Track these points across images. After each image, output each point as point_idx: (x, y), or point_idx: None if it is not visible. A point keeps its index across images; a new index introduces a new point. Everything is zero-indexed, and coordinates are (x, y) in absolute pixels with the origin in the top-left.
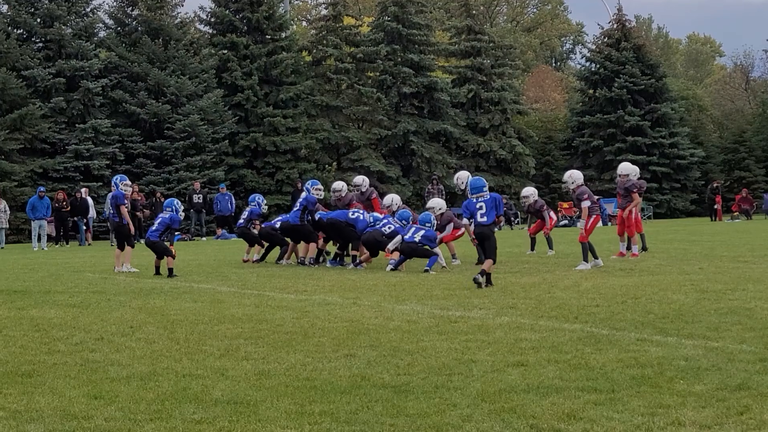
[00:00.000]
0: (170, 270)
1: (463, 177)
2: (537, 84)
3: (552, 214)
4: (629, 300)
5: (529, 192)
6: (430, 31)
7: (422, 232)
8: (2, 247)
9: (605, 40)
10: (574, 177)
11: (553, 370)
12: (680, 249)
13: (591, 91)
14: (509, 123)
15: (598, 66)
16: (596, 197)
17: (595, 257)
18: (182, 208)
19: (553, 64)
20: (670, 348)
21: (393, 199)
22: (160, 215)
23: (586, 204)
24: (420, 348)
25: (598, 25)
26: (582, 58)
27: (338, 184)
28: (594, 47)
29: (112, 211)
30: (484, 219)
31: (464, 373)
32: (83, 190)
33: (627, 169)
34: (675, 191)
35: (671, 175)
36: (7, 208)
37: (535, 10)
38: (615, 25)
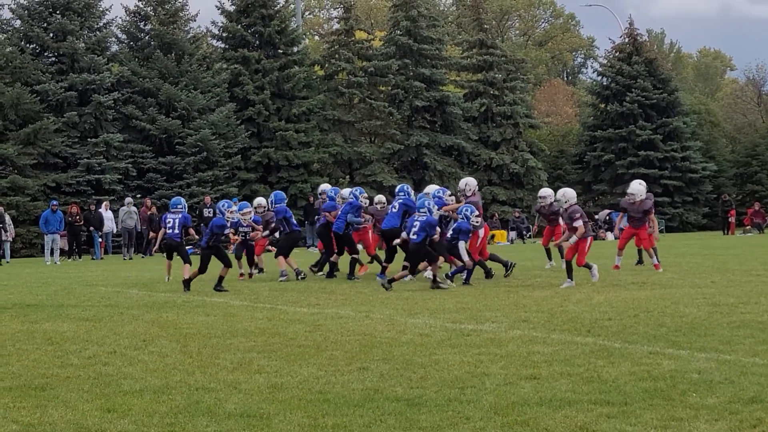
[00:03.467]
0: (187, 282)
1: (471, 184)
2: (549, 98)
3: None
4: (641, 313)
5: (547, 193)
6: (442, 45)
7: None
8: (8, 262)
9: (617, 54)
10: (567, 195)
11: (566, 384)
12: (692, 263)
13: (602, 105)
14: (521, 137)
15: (609, 80)
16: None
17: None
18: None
19: (565, 78)
20: (682, 361)
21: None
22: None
23: (579, 223)
24: (433, 361)
25: (610, 39)
26: (593, 72)
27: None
28: (605, 61)
29: (176, 231)
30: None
31: (477, 386)
32: (104, 203)
33: (641, 192)
34: (687, 205)
35: (683, 189)
36: (10, 221)
37: (546, 24)
38: (627, 39)
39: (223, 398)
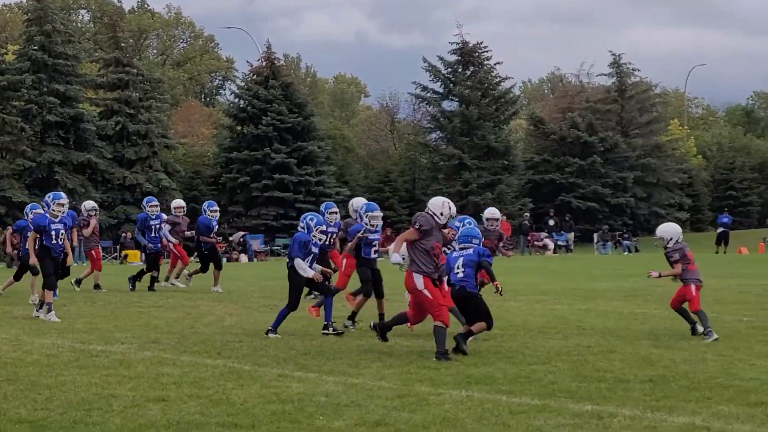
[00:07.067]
0: None
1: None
2: (185, 119)
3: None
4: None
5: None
6: (78, 61)
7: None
8: None
9: (254, 77)
10: (676, 233)
11: (194, 406)
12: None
13: (239, 128)
14: (156, 156)
15: (246, 103)
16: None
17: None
18: None
19: (203, 100)
20: (311, 384)
21: None
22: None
23: (679, 267)
24: (59, 382)
25: (248, 62)
26: (231, 94)
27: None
28: (243, 84)
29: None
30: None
31: (104, 408)
32: None
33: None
34: None
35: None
36: None
37: (185, 45)
38: (264, 63)
39: None
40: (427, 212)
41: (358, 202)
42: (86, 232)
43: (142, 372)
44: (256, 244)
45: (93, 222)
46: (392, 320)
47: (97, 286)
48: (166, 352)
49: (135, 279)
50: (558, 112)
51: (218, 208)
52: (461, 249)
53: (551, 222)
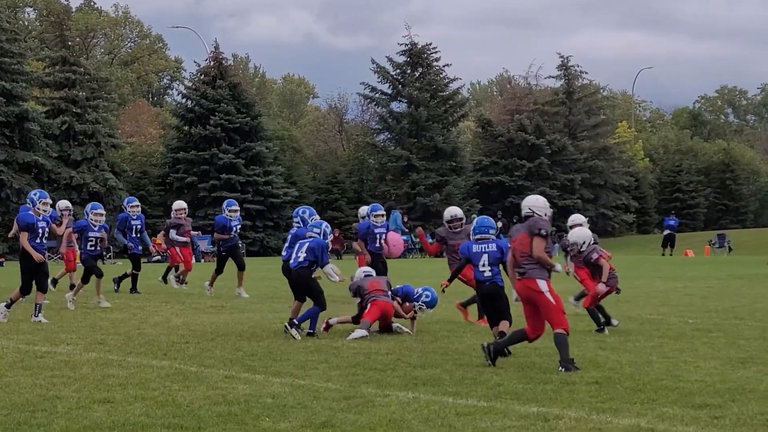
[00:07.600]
0: None
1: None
2: (133, 118)
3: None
4: (219, 337)
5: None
6: (24, 59)
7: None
8: None
9: (202, 77)
10: (588, 236)
11: (140, 407)
12: (271, 287)
13: (186, 128)
14: (103, 156)
15: (193, 103)
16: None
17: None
18: None
19: (150, 99)
20: (257, 385)
21: None
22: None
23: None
24: (3, 384)
25: (195, 62)
26: (178, 94)
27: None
28: (191, 84)
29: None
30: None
31: (48, 409)
32: None
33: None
34: (268, 230)
35: (264, 214)
36: None
37: (132, 44)
38: (212, 63)
39: None
40: (535, 214)
41: (454, 210)
42: (60, 230)
43: (87, 373)
44: (204, 244)
45: (65, 222)
46: (508, 340)
47: (72, 286)
48: (111, 353)
49: (120, 280)
50: (506, 114)
51: (238, 208)
52: (479, 240)
53: (499, 224)
